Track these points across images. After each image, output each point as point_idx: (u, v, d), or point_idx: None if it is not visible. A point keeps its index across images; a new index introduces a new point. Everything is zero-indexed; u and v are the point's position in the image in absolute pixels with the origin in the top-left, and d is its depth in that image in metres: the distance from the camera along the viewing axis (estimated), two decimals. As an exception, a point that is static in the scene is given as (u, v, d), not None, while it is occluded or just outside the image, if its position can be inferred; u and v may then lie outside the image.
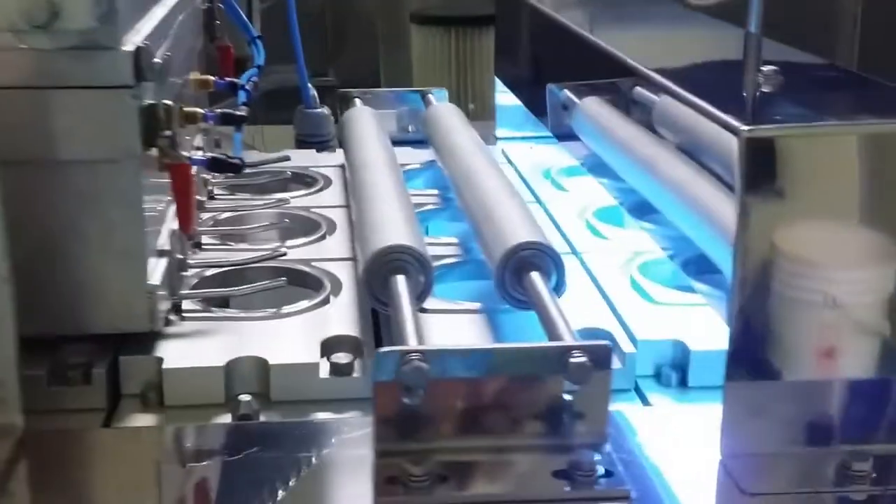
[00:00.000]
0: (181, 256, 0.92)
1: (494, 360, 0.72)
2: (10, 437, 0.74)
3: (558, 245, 1.10)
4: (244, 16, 1.49)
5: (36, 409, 0.79)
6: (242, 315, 0.94)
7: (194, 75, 1.23)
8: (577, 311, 0.92)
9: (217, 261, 1.01)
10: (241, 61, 1.56)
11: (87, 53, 0.77)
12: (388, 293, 0.84)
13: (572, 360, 0.71)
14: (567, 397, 0.73)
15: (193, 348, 0.86)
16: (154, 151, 0.83)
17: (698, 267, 0.91)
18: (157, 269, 0.86)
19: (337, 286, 0.99)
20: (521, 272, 0.87)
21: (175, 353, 0.84)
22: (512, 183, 1.09)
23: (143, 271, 0.83)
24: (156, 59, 0.81)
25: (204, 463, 0.78)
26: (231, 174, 1.05)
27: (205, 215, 1.16)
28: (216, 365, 0.83)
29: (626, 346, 0.88)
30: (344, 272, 1.02)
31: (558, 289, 0.87)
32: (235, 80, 1.28)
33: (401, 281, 0.84)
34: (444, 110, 1.41)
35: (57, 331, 0.82)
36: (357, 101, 1.50)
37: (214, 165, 0.96)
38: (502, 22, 2.01)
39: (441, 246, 1.09)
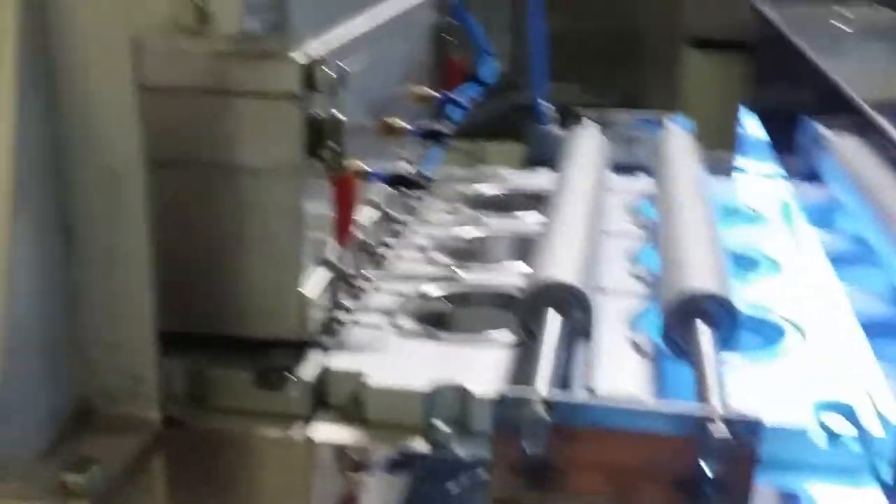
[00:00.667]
0: (347, 270, 0.91)
1: (624, 417, 0.66)
2: (147, 431, 0.76)
3: (816, 300, 1.00)
4: (476, 30, 1.48)
5: (239, 411, 0.82)
6: (456, 338, 0.91)
7: (416, 89, 1.24)
8: (829, 378, 0.83)
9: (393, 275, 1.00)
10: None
11: (256, 61, 0.78)
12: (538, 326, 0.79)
13: (711, 429, 0.63)
14: (706, 469, 0.65)
15: (400, 367, 0.84)
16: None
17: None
18: (315, 279, 0.86)
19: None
20: (688, 320, 0.79)
21: (381, 371, 0.83)
22: (713, 222, 1.00)
23: (297, 279, 0.83)
24: (330, 72, 0.81)
25: (371, 480, 0.77)
26: (415, 190, 1.03)
27: (435, 231, 1.16)
28: (418, 388, 0.80)
29: (872, 426, 0.77)
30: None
31: (728, 344, 0.79)
32: (451, 95, 1.27)
33: (551, 315, 0.79)
34: (670, 138, 1.33)
35: (213, 331, 0.84)
36: (585, 120, 1.46)
37: (397, 181, 0.95)
38: (758, 52, 1.90)
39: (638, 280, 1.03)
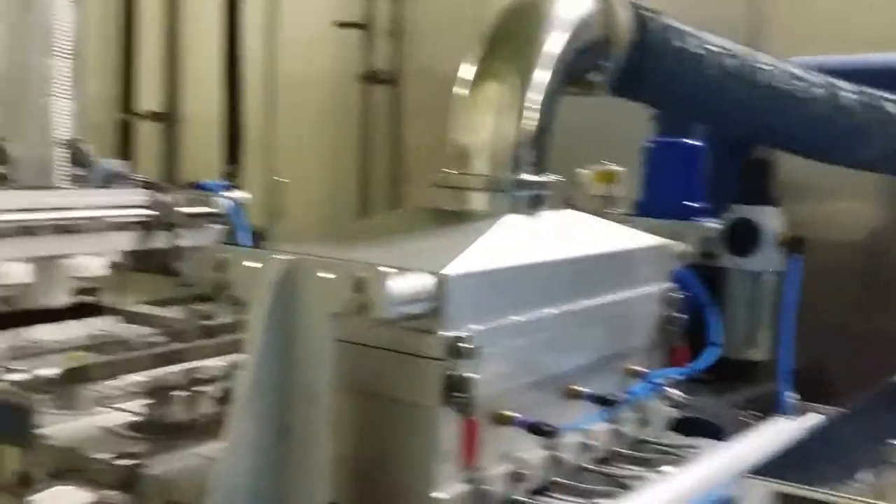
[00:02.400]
0: (481, 486, 1.26)
1: None
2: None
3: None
4: (714, 324, 1.76)
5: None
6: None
7: (628, 364, 1.57)
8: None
9: None
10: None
11: (418, 333, 1.20)
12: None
13: None
14: None
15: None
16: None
17: None
18: (449, 487, 1.22)
19: None
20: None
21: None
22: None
23: (430, 485, 1.20)
24: (468, 345, 1.20)
25: None
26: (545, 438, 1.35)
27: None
28: None
29: None
30: None
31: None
32: (652, 377, 1.58)
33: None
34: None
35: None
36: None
37: (532, 429, 1.30)
38: None
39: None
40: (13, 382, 1.30)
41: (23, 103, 1.96)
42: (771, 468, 0.94)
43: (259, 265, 1.18)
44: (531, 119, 1.46)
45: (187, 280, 2.29)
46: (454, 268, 1.22)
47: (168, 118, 4.86)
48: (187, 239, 2.26)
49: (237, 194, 2.44)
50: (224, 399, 1.40)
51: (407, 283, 1.16)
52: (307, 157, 4.38)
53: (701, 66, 1.70)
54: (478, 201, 1.45)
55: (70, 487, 1.31)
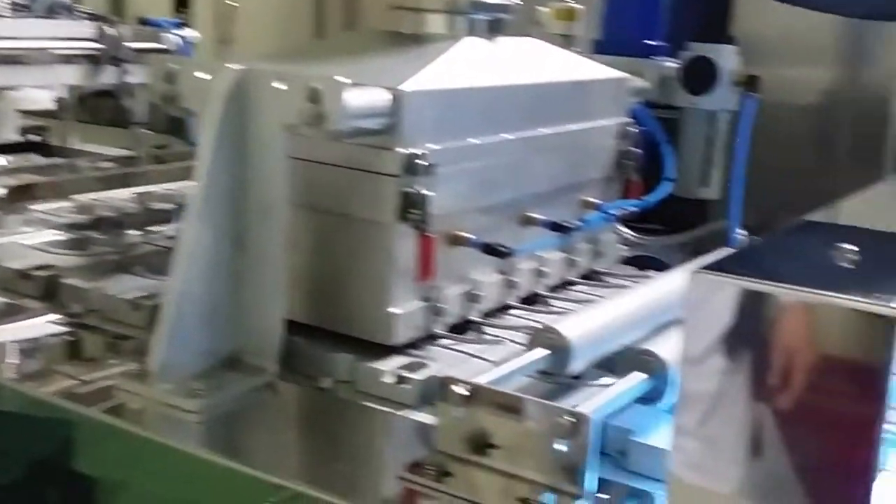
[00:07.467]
0: (437, 304, 1.28)
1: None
2: (262, 376, 1.18)
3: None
4: (668, 160, 1.76)
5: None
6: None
7: (583, 196, 1.58)
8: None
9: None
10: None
11: (374, 150, 1.19)
12: None
13: (559, 415, 0.92)
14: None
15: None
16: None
17: None
18: (404, 303, 1.24)
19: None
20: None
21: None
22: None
23: (386, 301, 1.22)
24: (424, 162, 1.20)
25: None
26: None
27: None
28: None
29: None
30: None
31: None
32: (605, 207, 1.59)
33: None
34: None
35: (327, 326, 1.25)
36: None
37: (486, 249, 1.31)
38: None
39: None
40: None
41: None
42: (721, 265, 0.93)
43: (210, 76, 1.15)
44: (490, -61, 1.43)
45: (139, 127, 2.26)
46: (412, 84, 1.20)
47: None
48: (136, 76, 2.20)
49: (187, 32, 2.38)
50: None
51: (364, 97, 1.14)
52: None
53: None
54: (435, 23, 1.42)
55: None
